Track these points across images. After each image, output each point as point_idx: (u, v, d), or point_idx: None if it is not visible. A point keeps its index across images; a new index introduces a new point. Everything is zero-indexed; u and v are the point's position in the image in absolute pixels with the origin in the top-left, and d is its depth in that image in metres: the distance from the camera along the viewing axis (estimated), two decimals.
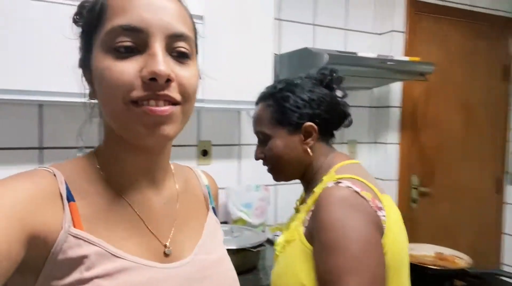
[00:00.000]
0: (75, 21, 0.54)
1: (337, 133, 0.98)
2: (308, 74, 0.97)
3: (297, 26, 2.08)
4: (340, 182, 0.79)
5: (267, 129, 0.92)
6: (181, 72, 0.50)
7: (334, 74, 0.95)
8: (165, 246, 0.55)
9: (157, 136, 0.49)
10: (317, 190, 0.83)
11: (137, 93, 0.47)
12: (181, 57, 0.50)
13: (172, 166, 0.64)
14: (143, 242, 0.53)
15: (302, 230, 0.82)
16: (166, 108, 0.48)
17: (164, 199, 0.59)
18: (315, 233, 0.77)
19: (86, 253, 0.47)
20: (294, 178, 0.97)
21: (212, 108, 1.58)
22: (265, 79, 1.61)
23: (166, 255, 0.55)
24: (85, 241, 0.48)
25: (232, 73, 1.55)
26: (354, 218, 0.74)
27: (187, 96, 0.51)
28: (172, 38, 0.49)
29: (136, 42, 0.47)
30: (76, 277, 0.46)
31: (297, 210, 0.97)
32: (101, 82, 0.49)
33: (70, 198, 0.49)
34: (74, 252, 0.47)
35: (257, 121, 0.95)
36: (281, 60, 1.90)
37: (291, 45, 1.96)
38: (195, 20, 0.56)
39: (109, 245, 0.49)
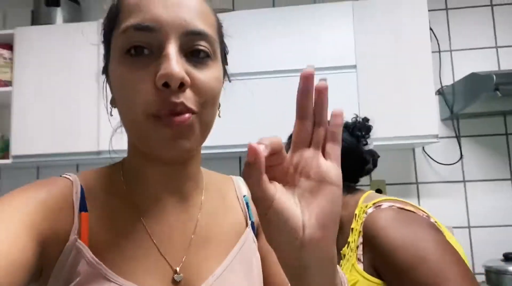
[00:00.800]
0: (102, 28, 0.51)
1: None
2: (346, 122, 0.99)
3: (476, 52, 1.93)
4: (379, 205, 0.80)
5: None
6: (198, 75, 0.44)
7: (366, 123, 0.97)
8: (175, 271, 0.48)
9: (176, 150, 0.44)
10: (356, 225, 0.82)
11: (154, 106, 0.42)
12: (199, 57, 0.44)
13: (206, 177, 0.58)
14: (151, 266, 0.47)
15: (360, 267, 0.79)
16: (185, 116, 0.42)
17: (189, 217, 0.52)
18: (381, 261, 0.75)
19: (80, 270, 0.44)
20: None
21: (382, 145, 1.64)
22: (430, 114, 1.63)
23: (175, 282, 0.48)
24: (83, 257, 0.44)
25: (393, 114, 1.62)
26: (414, 230, 0.73)
27: (204, 103, 0.44)
28: (189, 37, 0.43)
29: (150, 43, 0.43)
30: None
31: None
32: (117, 93, 0.46)
33: (82, 208, 0.46)
34: (72, 267, 0.44)
35: None
36: (454, 91, 1.80)
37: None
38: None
39: (103, 265, 0.44)
